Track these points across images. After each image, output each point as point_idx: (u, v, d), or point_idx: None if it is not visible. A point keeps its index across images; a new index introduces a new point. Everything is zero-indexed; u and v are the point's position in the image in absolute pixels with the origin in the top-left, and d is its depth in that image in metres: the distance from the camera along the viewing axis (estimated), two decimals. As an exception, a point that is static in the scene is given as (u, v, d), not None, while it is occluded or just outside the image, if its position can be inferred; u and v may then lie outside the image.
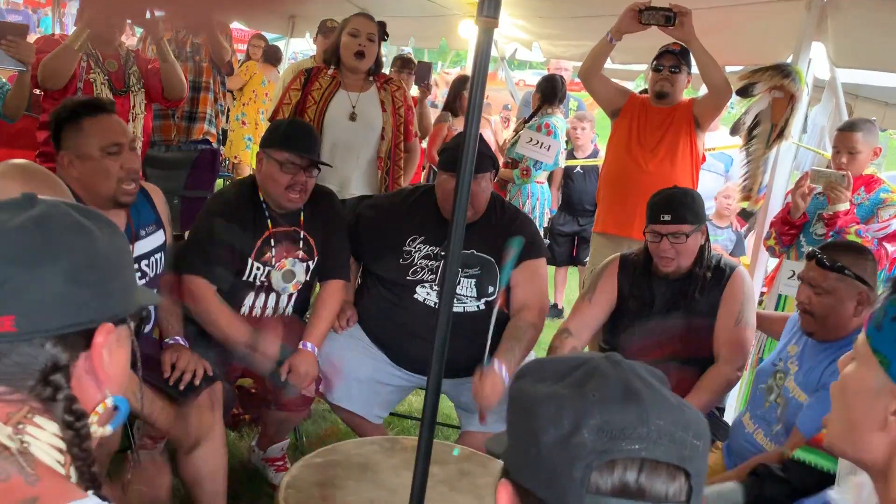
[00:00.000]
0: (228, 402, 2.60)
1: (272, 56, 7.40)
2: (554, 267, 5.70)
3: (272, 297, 2.71)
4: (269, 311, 2.71)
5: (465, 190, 1.26)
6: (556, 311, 5.60)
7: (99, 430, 0.93)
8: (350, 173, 3.31)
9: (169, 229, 2.50)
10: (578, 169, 5.61)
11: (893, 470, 1.00)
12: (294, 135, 2.62)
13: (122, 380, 0.97)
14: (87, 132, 2.18)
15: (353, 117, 3.28)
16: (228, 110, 6.48)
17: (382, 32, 3.37)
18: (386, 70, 4.37)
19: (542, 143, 4.65)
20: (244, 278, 2.65)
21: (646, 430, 0.78)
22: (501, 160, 4.87)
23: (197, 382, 2.35)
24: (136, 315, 0.97)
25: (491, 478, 2.18)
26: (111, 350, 0.93)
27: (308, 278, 2.74)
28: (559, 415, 0.80)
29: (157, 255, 2.44)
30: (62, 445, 0.88)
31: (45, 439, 0.87)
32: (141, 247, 2.38)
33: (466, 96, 5.15)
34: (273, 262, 2.66)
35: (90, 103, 2.23)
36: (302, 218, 2.73)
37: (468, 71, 6.49)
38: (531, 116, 4.88)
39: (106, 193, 2.21)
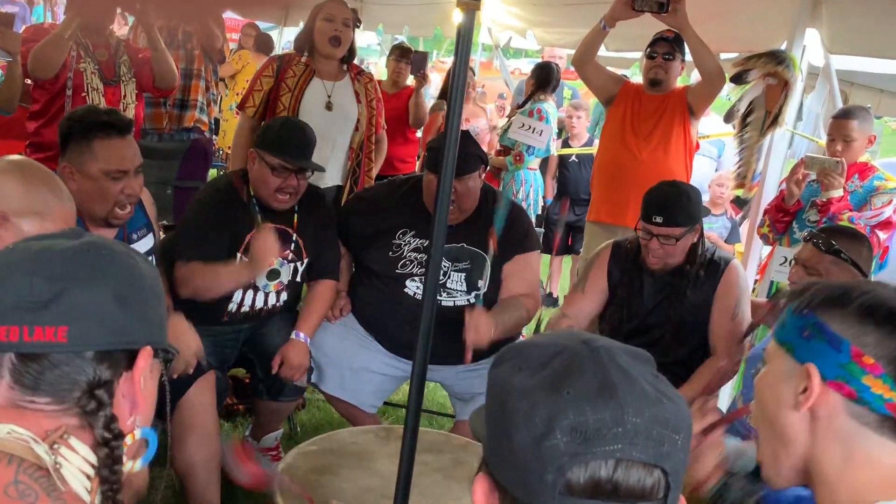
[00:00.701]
0: (221, 391, 2.60)
1: (264, 44, 7.34)
2: (549, 256, 5.69)
3: (259, 295, 2.67)
4: (258, 304, 2.69)
5: (446, 187, 1.25)
6: (551, 300, 5.61)
7: (129, 463, 0.93)
8: (325, 162, 3.29)
9: (158, 230, 2.48)
10: (574, 158, 5.60)
11: (817, 454, 1.04)
12: (287, 138, 2.59)
13: (150, 411, 0.99)
14: (94, 153, 2.10)
15: (329, 107, 3.26)
16: (221, 99, 6.44)
17: (355, 19, 3.34)
18: (383, 59, 4.34)
19: (534, 128, 4.63)
20: None
21: (621, 429, 0.75)
22: (495, 149, 4.85)
23: (190, 372, 2.34)
24: (166, 351, 0.99)
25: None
26: (146, 378, 0.96)
27: (295, 279, 2.72)
28: (531, 414, 0.77)
29: (150, 259, 2.42)
30: (90, 471, 0.89)
31: (76, 462, 0.88)
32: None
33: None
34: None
35: (106, 122, 2.14)
36: (295, 220, 2.70)
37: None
38: (524, 102, 4.87)
39: (99, 213, 2.16)
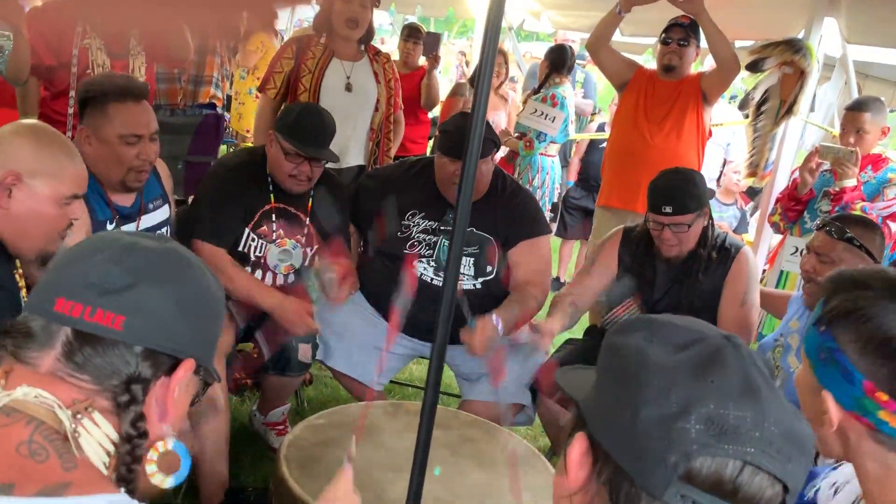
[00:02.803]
0: (228, 364, 2.62)
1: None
2: (560, 240, 5.68)
3: (269, 275, 2.69)
4: (268, 283, 2.70)
5: (471, 173, 1.25)
6: (558, 285, 5.61)
7: (159, 477, 0.94)
8: (347, 142, 3.30)
9: (173, 203, 2.51)
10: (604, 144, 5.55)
11: (856, 466, 1.04)
12: (303, 126, 2.59)
13: (179, 423, 1.00)
14: (110, 117, 2.14)
15: (349, 87, 3.26)
16: (233, 78, 6.40)
17: None
18: (395, 39, 4.33)
19: (547, 115, 4.59)
20: (239, 248, 2.65)
21: (758, 434, 0.72)
22: (514, 135, 4.82)
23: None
24: (207, 372, 1.01)
25: (493, 445, 2.20)
26: (182, 388, 0.97)
27: (304, 264, 2.73)
28: (667, 391, 0.73)
29: (164, 229, 2.44)
30: (110, 448, 0.90)
31: (96, 436, 0.89)
32: (149, 220, 2.37)
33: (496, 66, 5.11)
34: (274, 238, 2.67)
35: (121, 87, 2.17)
36: (309, 204, 2.72)
37: (476, 44, 6.44)
38: (540, 87, 4.82)
39: (116, 177, 2.20)
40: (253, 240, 2.65)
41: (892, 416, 0.97)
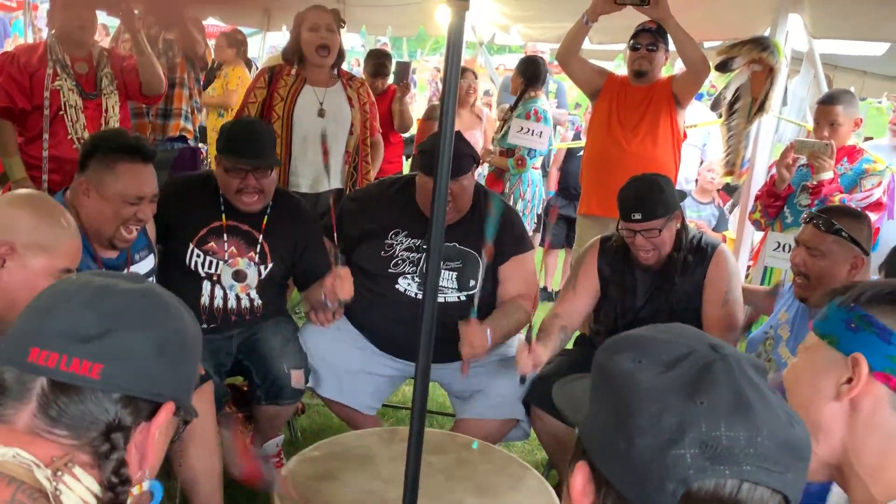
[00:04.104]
0: (220, 398, 2.59)
1: (238, 42, 7.03)
2: (542, 250, 5.69)
3: (230, 295, 2.68)
4: (231, 304, 2.69)
5: (442, 192, 1.24)
6: (546, 295, 5.61)
7: None
8: (322, 166, 3.29)
9: (156, 253, 2.50)
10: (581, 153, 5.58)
11: (854, 447, 1.04)
12: (235, 138, 2.60)
13: (157, 466, 0.99)
14: (117, 175, 2.13)
15: (321, 113, 3.27)
16: (205, 108, 6.36)
17: (338, 20, 3.35)
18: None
19: (534, 131, 4.60)
20: (186, 264, 2.64)
21: (753, 450, 0.72)
22: (497, 150, 4.81)
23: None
24: (187, 412, 1.00)
25: (490, 466, 2.18)
26: (162, 433, 0.96)
27: (263, 282, 2.71)
28: (660, 419, 0.73)
29: (150, 280, 2.42)
30: (93, 502, 0.89)
31: (78, 491, 0.88)
32: (135, 271, 2.35)
33: (462, 87, 5.14)
34: (225, 257, 2.65)
35: (133, 147, 2.17)
36: (264, 222, 2.71)
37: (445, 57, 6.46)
38: (517, 102, 4.82)
39: (107, 233, 2.19)
40: (199, 255, 2.64)
41: None
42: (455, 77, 1.25)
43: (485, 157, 4.83)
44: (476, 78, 5.34)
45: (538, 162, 4.92)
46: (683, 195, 2.89)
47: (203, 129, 6.36)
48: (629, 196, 2.59)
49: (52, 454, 0.88)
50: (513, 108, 4.84)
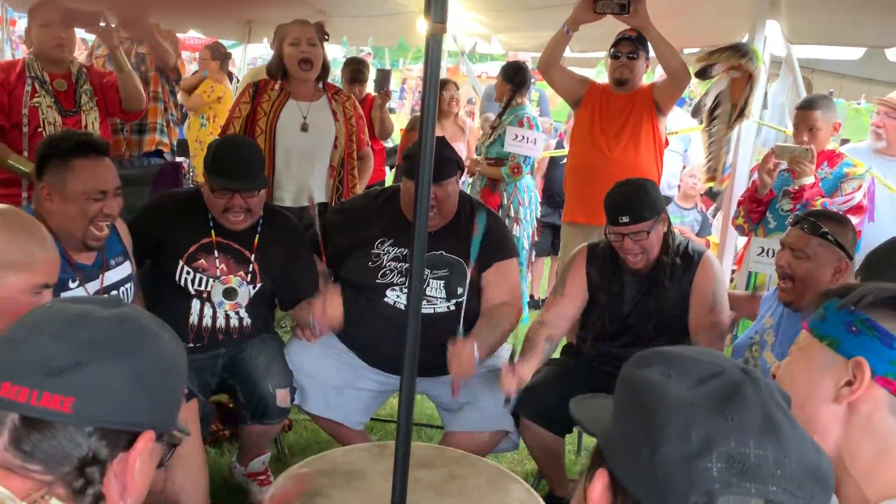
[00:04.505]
0: (205, 417, 2.57)
1: (221, 55, 7.02)
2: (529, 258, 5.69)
3: (208, 309, 2.65)
4: (219, 323, 2.67)
5: (424, 200, 1.24)
6: (533, 303, 5.61)
7: None
8: (306, 180, 3.28)
9: (133, 260, 2.47)
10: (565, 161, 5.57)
11: (849, 449, 1.04)
12: (222, 159, 2.58)
13: (141, 495, 0.97)
14: (75, 174, 2.11)
15: (304, 128, 3.26)
16: (184, 118, 6.31)
17: (321, 33, 3.34)
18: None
19: (528, 138, 4.59)
20: (176, 282, 2.62)
21: (780, 472, 0.71)
22: (484, 161, 4.79)
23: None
24: (171, 435, 0.98)
25: (481, 480, 2.16)
26: (144, 460, 0.94)
27: (253, 302, 2.70)
28: (688, 429, 0.72)
29: (127, 285, 2.40)
30: None
31: None
32: (111, 276, 2.34)
33: (444, 99, 5.13)
34: (217, 274, 2.64)
35: (83, 143, 2.15)
36: (255, 241, 2.69)
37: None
38: (504, 109, 4.80)
39: (77, 234, 2.16)
40: (188, 273, 2.62)
41: None
42: (434, 99, 1.25)
43: (472, 168, 4.81)
44: (458, 89, 5.34)
45: (532, 168, 4.93)
46: (668, 200, 2.90)
47: (183, 143, 6.33)
48: (616, 200, 2.61)
49: (28, 488, 0.86)
50: (500, 116, 4.81)
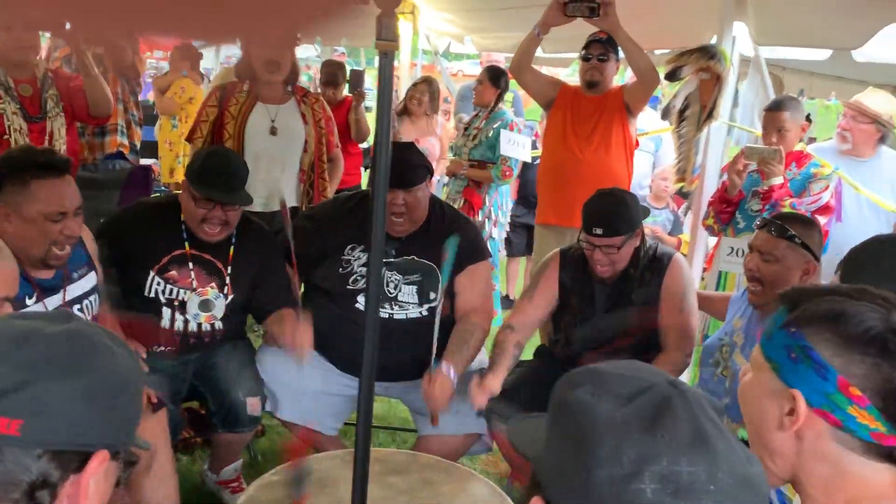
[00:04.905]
0: (175, 426, 2.55)
1: (194, 56, 6.96)
2: (505, 259, 5.71)
3: (180, 319, 2.63)
4: (191, 328, 2.65)
5: (380, 213, 1.24)
6: (508, 303, 5.62)
7: None
8: (276, 185, 3.26)
9: (100, 269, 2.42)
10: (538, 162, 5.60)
11: (803, 471, 1.05)
12: (210, 170, 2.56)
13: None
14: (33, 195, 2.05)
15: (273, 131, 3.23)
16: (154, 119, 6.25)
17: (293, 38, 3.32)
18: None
19: (519, 142, 4.64)
20: (146, 293, 2.59)
21: (713, 487, 0.71)
22: (464, 162, 4.80)
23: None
24: (129, 453, 0.95)
25: (454, 485, 2.17)
26: (98, 481, 0.91)
27: (226, 314, 2.68)
28: (619, 452, 0.72)
29: (92, 297, 2.36)
30: None
31: None
32: (74, 289, 2.29)
33: (416, 97, 5.13)
34: (192, 285, 2.61)
35: (42, 163, 2.09)
36: (231, 253, 2.67)
37: (403, 68, 6.47)
38: (491, 111, 4.80)
39: (37, 254, 2.11)
40: (159, 283, 2.59)
41: (860, 411, 0.98)
42: (387, 118, 1.25)
43: (455, 170, 4.82)
44: (427, 90, 5.32)
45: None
46: (647, 212, 2.92)
47: (152, 144, 6.26)
48: (594, 210, 2.62)
49: None
50: (485, 119, 4.80)
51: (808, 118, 7.34)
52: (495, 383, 2.54)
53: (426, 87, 5.32)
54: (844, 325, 1.00)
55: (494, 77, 4.80)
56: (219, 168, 2.57)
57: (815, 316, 1.03)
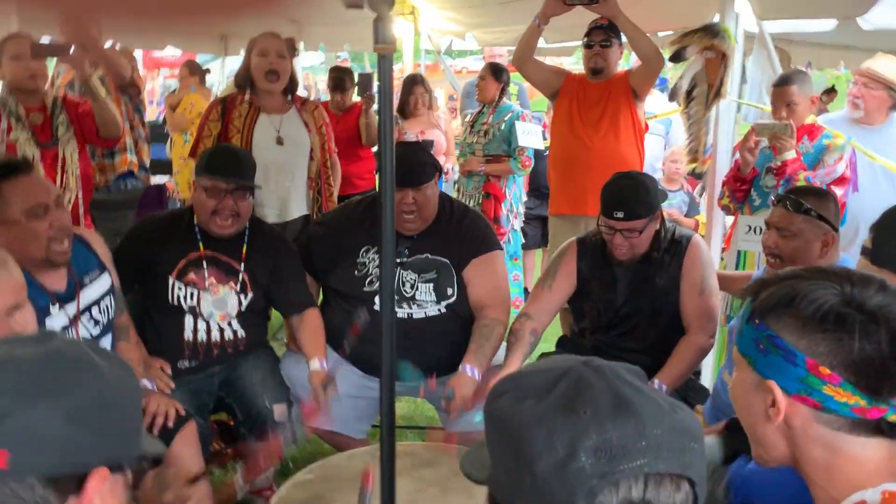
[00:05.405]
0: (205, 439, 2.57)
1: (202, 73, 7.05)
2: (522, 251, 5.70)
3: (202, 324, 2.66)
4: (214, 337, 2.68)
5: (388, 215, 1.26)
6: (527, 296, 5.62)
7: None
8: (287, 194, 3.29)
9: (114, 271, 2.44)
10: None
11: (802, 458, 1.05)
12: (216, 158, 2.63)
13: None
14: (6, 198, 2.07)
15: (280, 141, 3.26)
16: (165, 137, 6.29)
17: (291, 48, 3.35)
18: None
19: (532, 131, 4.66)
20: (169, 300, 2.62)
21: (644, 443, 0.74)
22: (480, 159, 4.80)
23: (171, 425, 2.31)
24: (134, 464, 0.94)
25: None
26: (103, 498, 0.89)
27: (243, 312, 2.70)
28: (551, 439, 0.75)
29: (107, 300, 2.38)
30: None
31: None
32: (89, 294, 2.31)
33: (417, 96, 5.14)
34: (206, 286, 2.65)
35: (5, 166, 2.11)
36: (244, 251, 2.70)
37: (407, 69, 6.47)
38: (495, 108, 4.80)
39: (37, 255, 2.12)
40: (180, 288, 2.63)
41: (835, 389, 0.98)
42: (390, 120, 1.27)
43: (472, 168, 4.83)
44: (426, 91, 5.30)
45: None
46: (665, 195, 2.91)
47: (165, 161, 6.31)
48: (614, 193, 2.60)
49: None
50: (491, 115, 4.80)
51: (832, 89, 7.27)
52: (513, 369, 2.54)
53: (420, 88, 5.28)
54: (798, 307, 1.00)
55: (496, 72, 4.83)
56: (226, 156, 2.66)
57: (773, 303, 1.03)
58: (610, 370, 0.80)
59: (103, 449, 0.89)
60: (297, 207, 3.33)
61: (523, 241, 5.56)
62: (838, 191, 3.20)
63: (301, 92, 3.80)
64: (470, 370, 2.50)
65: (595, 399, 0.76)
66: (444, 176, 5.16)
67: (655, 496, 0.74)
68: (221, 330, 2.68)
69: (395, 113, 5.18)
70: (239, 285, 2.68)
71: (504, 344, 2.75)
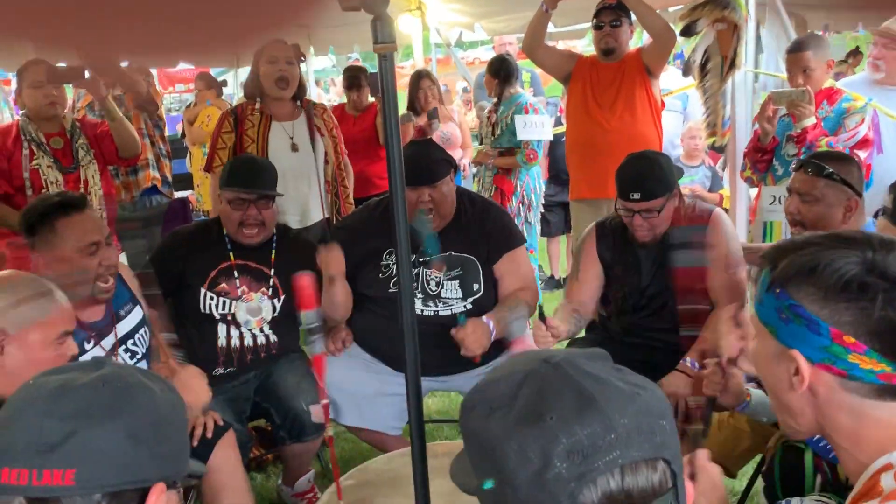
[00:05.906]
0: (244, 445, 2.60)
1: (219, 86, 7.13)
2: (546, 239, 5.68)
3: (246, 333, 2.71)
4: (247, 343, 2.72)
5: (401, 214, 1.26)
6: (554, 283, 5.60)
7: None
8: (306, 200, 3.31)
9: (143, 301, 2.49)
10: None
11: (828, 424, 1.05)
12: (237, 170, 2.69)
13: None
14: (61, 234, 2.12)
15: (294, 147, 3.28)
16: (184, 151, 6.34)
17: (298, 54, 3.36)
18: (341, 79, 4.31)
19: (536, 123, 4.61)
20: (201, 310, 2.66)
21: (614, 435, 0.75)
22: (491, 151, 4.78)
23: (209, 435, 2.34)
24: (186, 479, 0.99)
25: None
26: None
27: (276, 317, 2.74)
28: (524, 451, 0.76)
29: (142, 331, 2.42)
30: None
31: None
32: (124, 326, 2.35)
33: (425, 89, 5.12)
34: (239, 294, 2.69)
35: (62, 203, 2.16)
36: (272, 258, 2.74)
37: (418, 64, 6.47)
38: (497, 104, 4.78)
39: (83, 292, 2.16)
40: (212, 298, 2.67)
41: (860, 357, 0.98)
42: (395, 119, 1.27)
43: (483, 160, 4.82)
44: (432, 83, 5.27)
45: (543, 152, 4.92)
46: (681, 171, 2.87)
47: (186, 175, 6.38)
48: (628, 175, 2.57)
49: None
50: (495, 111, 4.79)
51: (857, 51, 7.10)
52: (560, 325, 2.50)
53: (426, 82, 5.26)
54: (821, 276, 0.99)
55: (492, 68, 4.80)
56: (246, 167, 2.73)
57: (794, 272, 1.02)
58: (569, 364, 0.80)
59: (160, 465, 0.94)
60: (317, 211, 3.35)
61: (546, 229, 5.55)
62: (862, 154, 3.14)
63: (313, 97, 3.82)
64: (486, 320, 2.54)
65: (558, 402, 0.77)
66: (461, 172, 5.16)
67: (634, 482, 0.76)
68: (255, 336, 2.72)
69: (407, 110, 5.21)
70: (271, 290, 2.73)
71: (529, 330, 2.75)
